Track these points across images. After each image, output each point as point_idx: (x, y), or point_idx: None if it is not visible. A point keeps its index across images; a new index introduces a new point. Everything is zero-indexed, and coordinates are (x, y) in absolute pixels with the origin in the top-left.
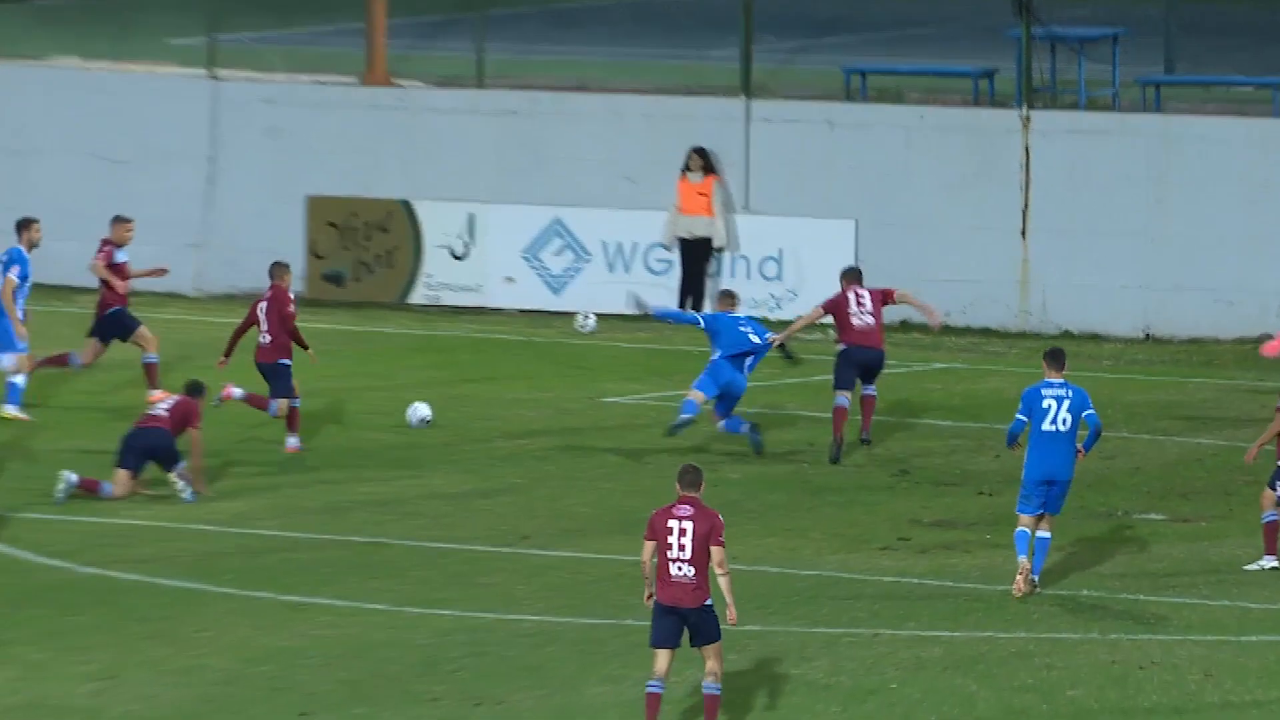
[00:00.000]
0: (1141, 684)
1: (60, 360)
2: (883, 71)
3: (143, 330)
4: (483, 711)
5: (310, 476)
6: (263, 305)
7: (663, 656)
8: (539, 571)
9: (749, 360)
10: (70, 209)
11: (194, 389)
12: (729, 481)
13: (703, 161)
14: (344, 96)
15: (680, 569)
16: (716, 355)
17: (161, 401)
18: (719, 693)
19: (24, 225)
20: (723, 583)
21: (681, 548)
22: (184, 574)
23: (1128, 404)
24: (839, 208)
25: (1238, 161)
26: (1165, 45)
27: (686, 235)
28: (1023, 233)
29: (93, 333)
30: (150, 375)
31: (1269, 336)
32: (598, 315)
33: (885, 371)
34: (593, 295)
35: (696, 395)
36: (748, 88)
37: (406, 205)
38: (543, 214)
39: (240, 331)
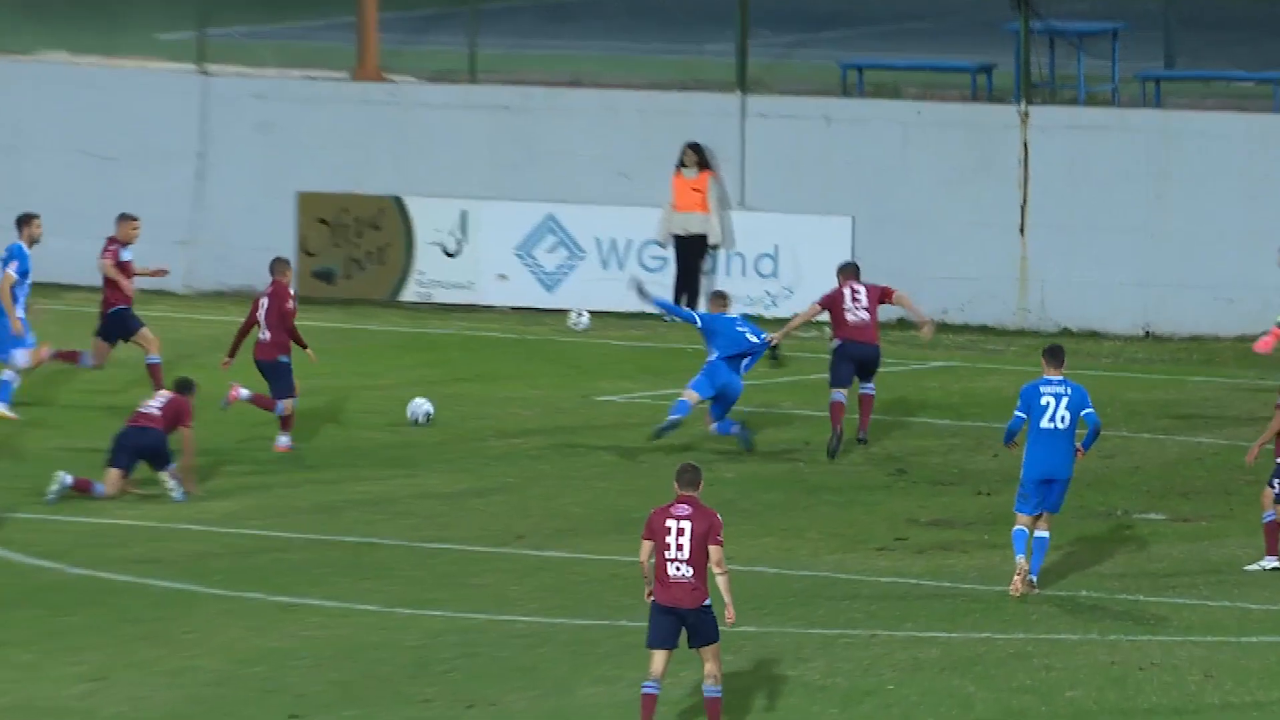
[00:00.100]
0: (1141, 685)
1: (73, 356)
2: (880, 66)
3: (145, 331)
4: (475, 713)
5: (301, 476)
6: (263, 302)
7: (659, 657)
8: (532, 571)
9: (745, 361)
10: (59, 205)
11: (184, 386)
12: (724, 480)
13: (698, 157)
14: (335, 92)
15: (678, 569)
16: (714, 356)
17: (153, 400)
18: (720, 695)
19: (24, 221)
20: (721, 582)
21: (680, 548)
22: (175, 575)
23: (1127, 402)
24: (836, 204)
25: (1238, 157)
26: (1165, 40)
27: (681, 232)
28: (1021, 229)
29: (99, 333)
30: (155, 377)
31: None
32: (591, 313)
33: (882, 370)
34: (586, 293)
35: (691, 395)
36: (743, 83)
37: (398, 201)
38: (536, 210)
39: (244, 330)
